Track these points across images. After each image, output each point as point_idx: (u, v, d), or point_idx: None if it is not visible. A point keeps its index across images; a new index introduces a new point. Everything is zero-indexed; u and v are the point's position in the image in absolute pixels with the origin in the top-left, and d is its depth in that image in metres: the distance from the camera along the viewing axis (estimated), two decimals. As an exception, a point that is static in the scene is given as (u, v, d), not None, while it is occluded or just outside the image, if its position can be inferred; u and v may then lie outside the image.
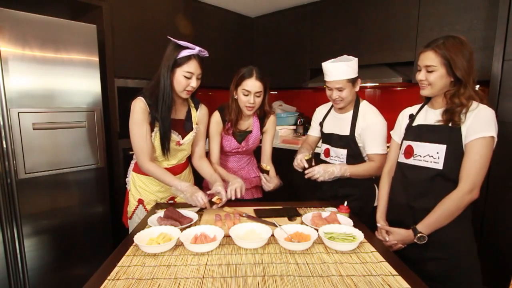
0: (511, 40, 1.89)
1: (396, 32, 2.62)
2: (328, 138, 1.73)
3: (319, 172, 1.55)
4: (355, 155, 1.65)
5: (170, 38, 1.49)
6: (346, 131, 1.65)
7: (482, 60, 2.21)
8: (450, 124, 1.22)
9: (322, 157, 1.78)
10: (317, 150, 1.86)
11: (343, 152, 1.67)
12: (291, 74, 3.40)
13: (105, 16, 2.30)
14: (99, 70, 2.10)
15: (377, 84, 2.81)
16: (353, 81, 1.59)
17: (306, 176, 1.58)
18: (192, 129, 1.63)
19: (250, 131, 1.82)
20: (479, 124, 1.16)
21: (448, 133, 1.21)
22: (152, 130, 1.52)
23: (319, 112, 1.87)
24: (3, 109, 1.70)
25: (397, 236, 1.28)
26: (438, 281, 1.23)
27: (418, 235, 1.20)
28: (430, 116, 1.31)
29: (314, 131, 1.88)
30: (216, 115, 1.78)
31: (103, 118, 2.14)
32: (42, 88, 1.86)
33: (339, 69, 1.56)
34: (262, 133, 1.87)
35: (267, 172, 1.65)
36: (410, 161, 1.31)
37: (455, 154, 1.20)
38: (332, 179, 1.58)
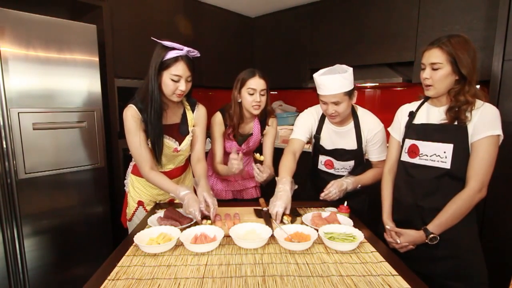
0: (511, 40, 1.89)
1: (396, 32, 2.62)
2: (331, 152, 1.68)
3: (335, 193, 1.49)
4: (361, 163, 1.66)
5: (154, 39, 1.40)
6: (352, 145, 1.62)
7: (482, 60, 2.21)
8: (456, 123, 1.21)
9: (323, 168, 1.74)
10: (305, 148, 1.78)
11: (350, 163, 1.66)
12: (291, 74, 3.40)
13: (105, 16, 2.29)
14: (99, 70, 2.10)
15: (377, 84, 2.81)
16: (349, 94, 1.49)
17: (321, 198, 1.52)
18: (188, 132, 1.56)
19: (251, 134, 1.82)
20: (486, 123, 1.16)
21: (454, 132, 1.21)
22: (147, 137, 1.45)
23: (312, 118, 1.69)
24: (3, 109, 1.70)
25: (408, 237, 1.26)
26: (450, 278, 1.24)
27: (430, 236, 1.19)
28: (433, 114, 1.29)
29: (301, 135, 1.67)
30: (218, 117, 1.75)
31: (103, 118, 2.14)
32: (42, 88, 1.86)
33: (335, 82, 1.44)
34: (262, 135, 1.86)
35: (260, 162, 1.62)
36: (416, 160, 1.30)
37: (462, 153, 1.20)
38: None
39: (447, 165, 1.22)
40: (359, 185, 1.55)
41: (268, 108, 1.78)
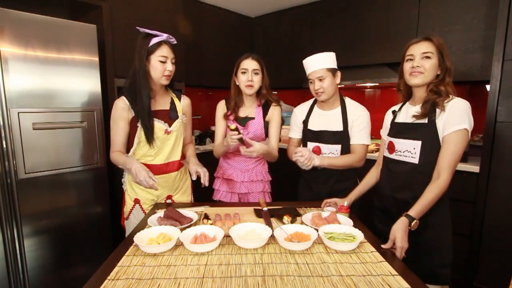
0: (511, 40, 1.89)
1: (396, 32, 2.62)
2: (318, 136, 1.73)
3: (305, 153, 1.56)
4: (347, 150, 1.70)
5: (138, 28, 1.53)
6: (338, 127, 1.69)
7: (482, 60, 2.21)
8: (426, 120, 1.28)
9: None
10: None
11: (337, 147, 1.69)
12: (291, 74, 3.40)
13: (105, 16, 2.29)
14: (99, 70, 2.10)
15: (377, 84, 2.81)
16: (333, 72, 1.64)
17: (293, 157, 1.60)
18: (178, 117, 1.65)
19: (253, 118, 1.80)
20: (454, 117, 1.22)
21: (424, 130, 1.29)
22: (136, 126, 1.55)
23: (299, 112, 1.86)
24: (3, 109, 1.69)
25: (398, 233, 1.18)
26: (415, 261, 1.24)
27: (413, 222, 1.19)
28: (411, 113, 1.36)
29: (296, 133, 1.87)
30: (222, 102, 1.87)
31: (103, 118, 2.14)
32: (42, 88, 1.86)
33: (318, 59, 1.64)
34: (265, 122, 1.83)
35: (235, 130, 1.56)
36: (393, 155, 1.41)
37: (431, 149, 1.27)
38: (309, 167, 1.59)
39: (416, 161, 1.31)
40: (326, 163, 1.62)
41: (263, 91, 1.80)
